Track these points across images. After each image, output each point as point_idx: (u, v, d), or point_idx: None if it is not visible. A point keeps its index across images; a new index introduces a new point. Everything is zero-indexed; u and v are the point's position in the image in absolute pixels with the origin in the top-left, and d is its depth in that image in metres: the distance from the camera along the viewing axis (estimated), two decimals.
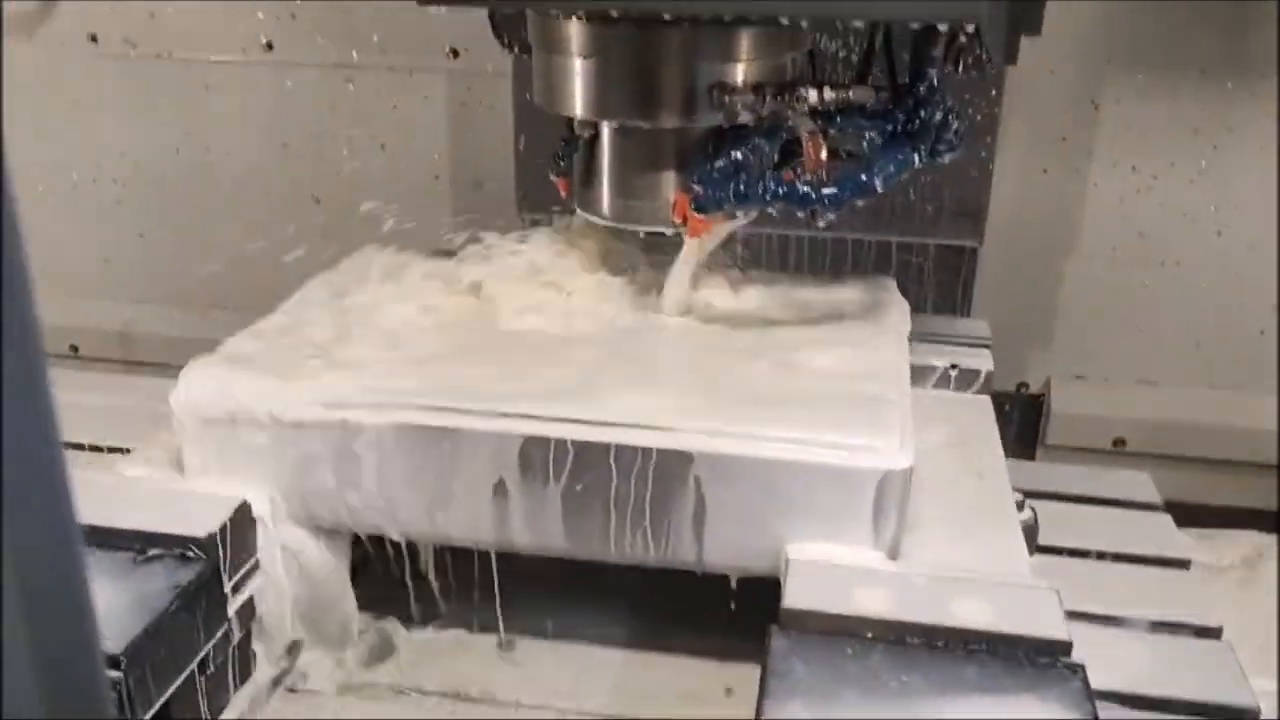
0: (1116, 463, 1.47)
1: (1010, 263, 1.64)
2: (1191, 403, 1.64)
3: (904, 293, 1.45)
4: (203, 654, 0.81)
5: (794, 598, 0.77)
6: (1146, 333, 1.66)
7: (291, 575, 0.90)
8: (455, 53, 1.70)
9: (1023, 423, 1.69)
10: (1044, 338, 1.69)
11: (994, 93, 1.45)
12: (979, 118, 1.47)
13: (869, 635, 0.76)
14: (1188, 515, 1.37)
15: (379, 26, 1.69)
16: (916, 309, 1.43)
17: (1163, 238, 1.61)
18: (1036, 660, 0.74)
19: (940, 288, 1.53)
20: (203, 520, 0.83)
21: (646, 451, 0.83)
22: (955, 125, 1.02)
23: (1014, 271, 1.65)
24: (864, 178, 0.87)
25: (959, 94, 1.44)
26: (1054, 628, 0.76)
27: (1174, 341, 1.66)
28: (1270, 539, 1.47)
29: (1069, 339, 1.68)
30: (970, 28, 0.93)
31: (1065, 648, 0.75)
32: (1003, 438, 1.52)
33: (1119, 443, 1.63)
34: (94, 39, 1.76)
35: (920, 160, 0.94)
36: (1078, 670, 0.74)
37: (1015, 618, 0.76)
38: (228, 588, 0.84)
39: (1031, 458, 1.64)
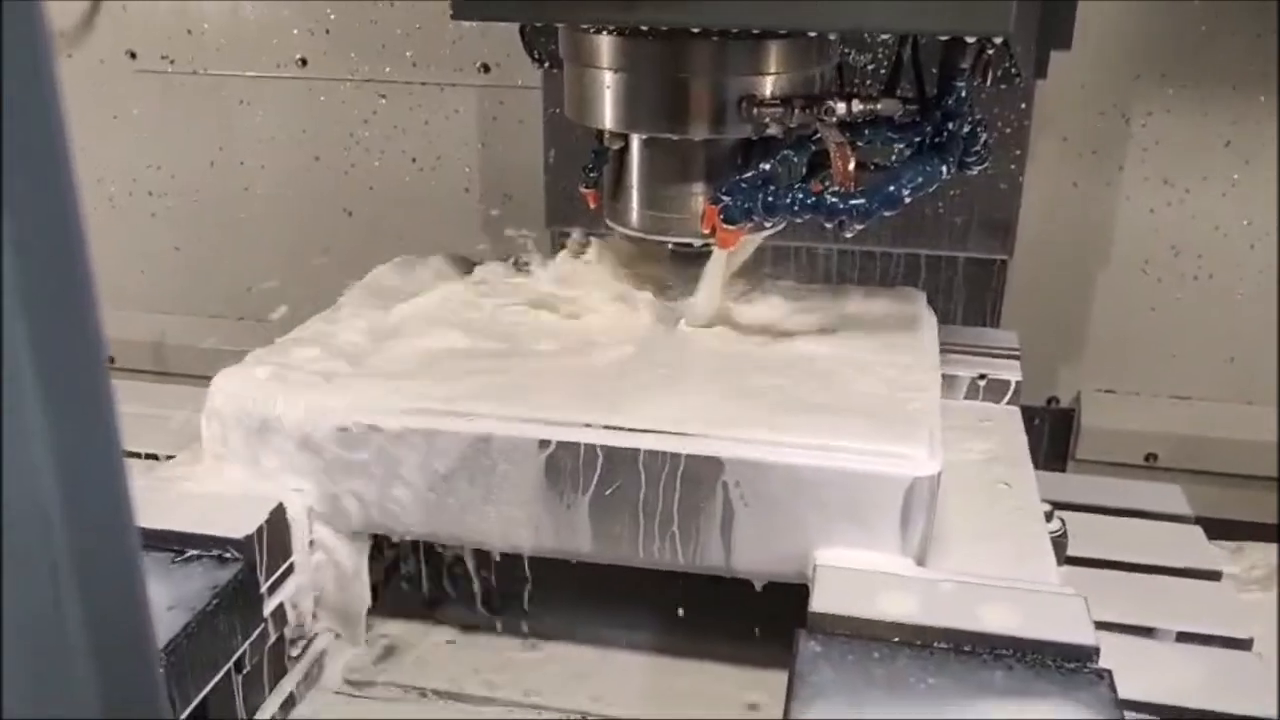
0: (1148, 478, 1.47)
1: (1040, 276, 1.64)
2: (1225, 418, 1.64)
3: (932, 305, 1.47)
4: (239, 653, 0.84)
5: (821, 602, 0.79)
6: (1179, 347, 1.66)
7: (321, 575, 0.92)
8: (486, 68, 1.73)
9: (1053, 437, 1.69)
10: (1074, 352, 1.70)
11: (1023, 106, 1.47)
12: (1008, 131, 1.48)
13: (896, 640, 0.77)
14: (1222, 531, 1.37)
15: (411, 43, 1.73)
16: (945, 322, 1.44)
17: (1195, 251, 1.62)
18: (1063, 665, 0.75)
19: (969, 301, 1.54)
20: (239, 522, 0.85)
21: (675, 457, 0.85)
22: (983, 137, 1.03)
23: (1044, 285, 1.65)
24: (891, 189, 0.89)
25: (988, 107, 1.46)
26: (1081, 633, 0.76)
27: (1207, 356, 1.65)
28: None
29: (1100, 353, 1.69)
30: (998, 40, 0.94)
31: (1092, 653, 0.75)
32: (1033, 453, 1.52)
33: (1150, 458, 1.62)
34: (132, 55, 1.81)
35: (948, 172, 0.95)
36: (1104, 676, 0.74)
37: (1042, 623, 0.77)
38: (263, 588, 0.86)
39: (1061, 472, 1.64)
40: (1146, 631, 0.95)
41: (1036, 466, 1.06)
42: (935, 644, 0.77)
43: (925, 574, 0.83)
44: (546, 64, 1.34)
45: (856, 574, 0.82)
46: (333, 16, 1.73)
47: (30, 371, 0.33)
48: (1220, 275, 1.62)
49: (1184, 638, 0.96)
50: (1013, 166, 1.48)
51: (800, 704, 0.72)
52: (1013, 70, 1.46)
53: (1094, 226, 1.63)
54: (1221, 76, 1.53)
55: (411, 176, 1.81)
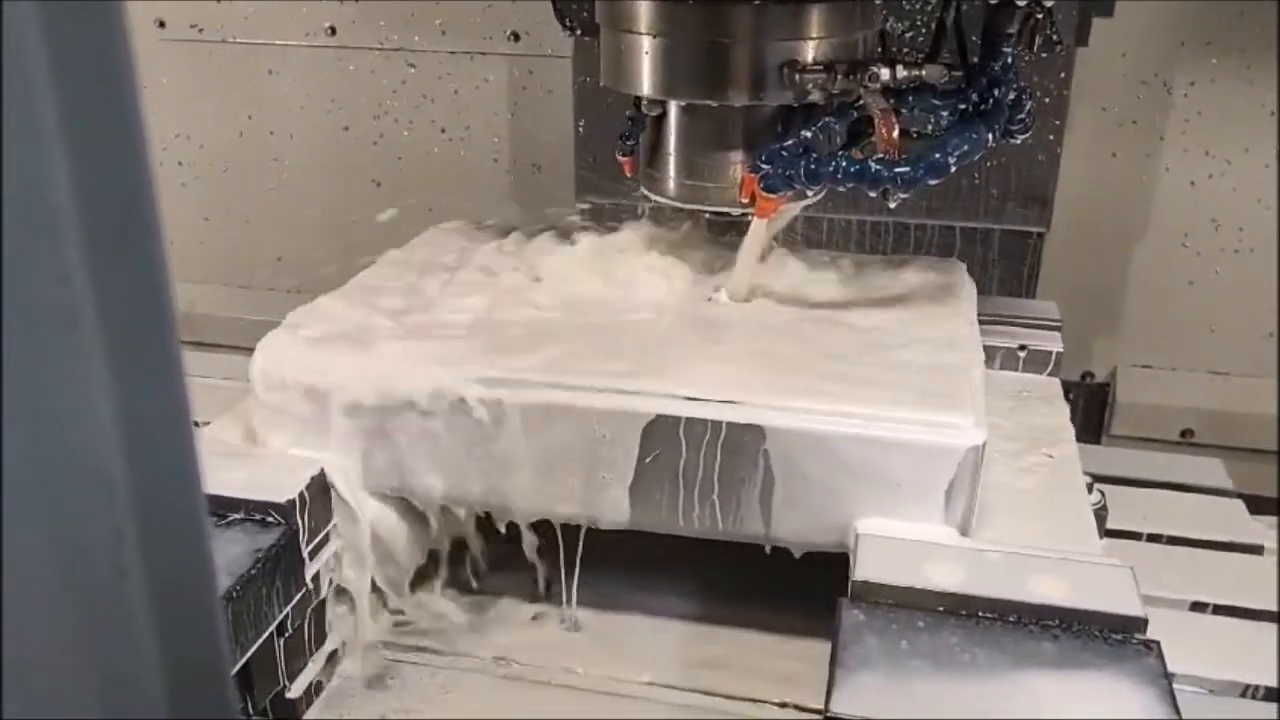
0: (1184, 454, 1.46)
1: (1077, 249, 1.63)
2: (1263, 394, 1.62)
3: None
4: (281, 617, 0.85)
5: (865, 571, 0.79)
6: (1217, 322, 1.64)
7: (361, 541, 0.93)
8: (516, 36, 1.72)
9: (1088, 412, 1.68)
10: (1110, 326, 1.68)
11: (1063, 75, 1.45)
12: (1047, 101, 1.47)
13: (940, 609, 0.77)
14: (1257, 507, 1.36)
15: (441, 11, 1.72)
16: (982, 293, 1.43)
17: (1236, 225, 1.60)
18: (1111, 637, 0.75)
19: (1005, 274, 1.53)
20: (281, 487, 0.86)
21: (717, 425, 0.85)
22: (1028, 105, 1.02)
23: (1080, 258, 1.64)
24: (937, 156, 0.88)
25: (1027, 76, 1.45)
26: (1129, 604, 0.76)
27: (1245, 331, 1.64)
28: None
29: (1136, 327, 1.67)
30: (1048, 2, 0.93)
31: (1141, 624, 0.75)
32: None
33: (1186, 433, 1.61)
34: (161, 24, 1.81)
35: (994, 140, 0.94)
36: (1153, 647, 0.74)
37: (1090, 594, 0.77)
38: (305, 552, 0.87)
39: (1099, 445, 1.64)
40: (1189, 605, 0.95)
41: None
42: (980, 614, 0.77)
43: (970, 544, 0.83)
44: (578, 31, 1.34)
45: (900, 543, 0.82)
46: None
47: (97, 329, 0.33)
48: (1261, 249, 1.60)
49: (1225, 610, 0.96)
50: (1051, 137, 1.47)
51: (844, 672, 0.72)
52: (1054, 37, 1.44)
53: (1133, 199, 1.62)
54: (1267, 44, 1.51)
55: (440, 147, 1.81)
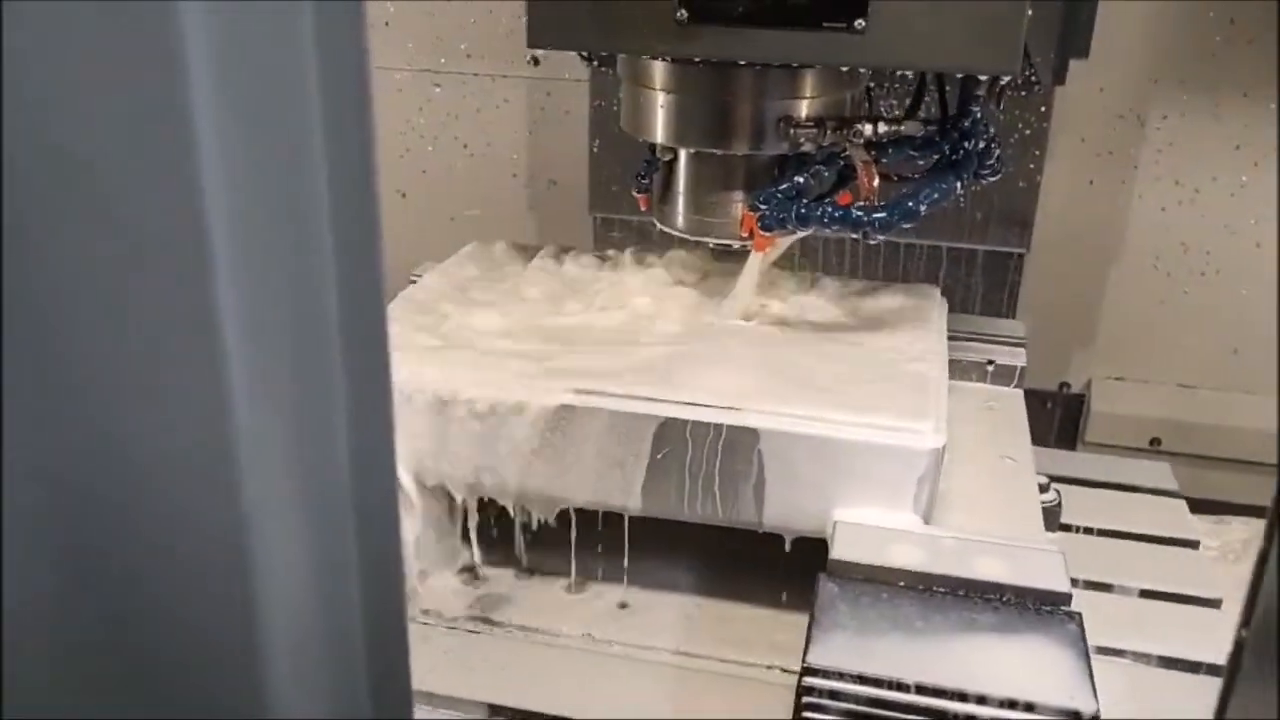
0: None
1: (1056, 268, 1.82)
2: (1227, 407, 1.81)
3: (953, 295, 1.65)
4: None
5: (840, 551, 0.98)
6: (1185, 338, 1.83)
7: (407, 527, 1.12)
8: (536, 60, 1.90)
9: (1064, 420, 1.87)
10: (1086, 340, 1.87)
11: (1043, 109, 1.64)
12: (1028, 132, 1.66)
13: (902, 584, 0.96)
14: (1218, 512, 1.56)
15: (466, 35, 1.91)
16: (964, 310, 1.63)
17: (1204, 248, 1.79)
18: (1042, 609, 0.94)
19: (988, 291, 1.72)
20: None
21: (718, 427, 1.04)
22: (997, 152, 1.21)
23: (1059, 277, 1.83)
24: (910, 204, 1.07)
25: (1010, 110, 1.64)
26: (1058, 582, 0.95)
27: (1212, 348, 1.83)
28: None
29: (1110, 342, 1.86)
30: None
31: (1066, 599, 0.94)
32: (1044, 435, 1.70)
33: (1155, 442, 1.80)
34: None
35: (963, 187, 1.13)
36: (1075, 617, 0.93)
37: (1026, 573, 0.96)
38: None
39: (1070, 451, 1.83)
40: (1120, 589, 1.14)
41: (1048, 447, 1.24)
42: (935, 588, 0.96)
43: (930, 531, 1.02)
44: (595, 63, 1.53)
45: (871, 529, 1.01)
46: (392, 9, 1.92)
47: (339, 344, 0.47)
48: (1227, 271, 1.79)
49: (1154, 595, 1.15)
50: (1031, 166, 1.66)
51: (820, 632, 0.91)
52: (1033, 79, 1.64)
53: (1108, 223, 1.81)
54: (1235, 83, 1.70)
55: (462, 161, 2.00)
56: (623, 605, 1.17)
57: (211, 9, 0.38)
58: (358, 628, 0.53)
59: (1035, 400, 1.81)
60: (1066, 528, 1.25)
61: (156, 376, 0.41)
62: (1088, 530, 1.25)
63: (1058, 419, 1.87)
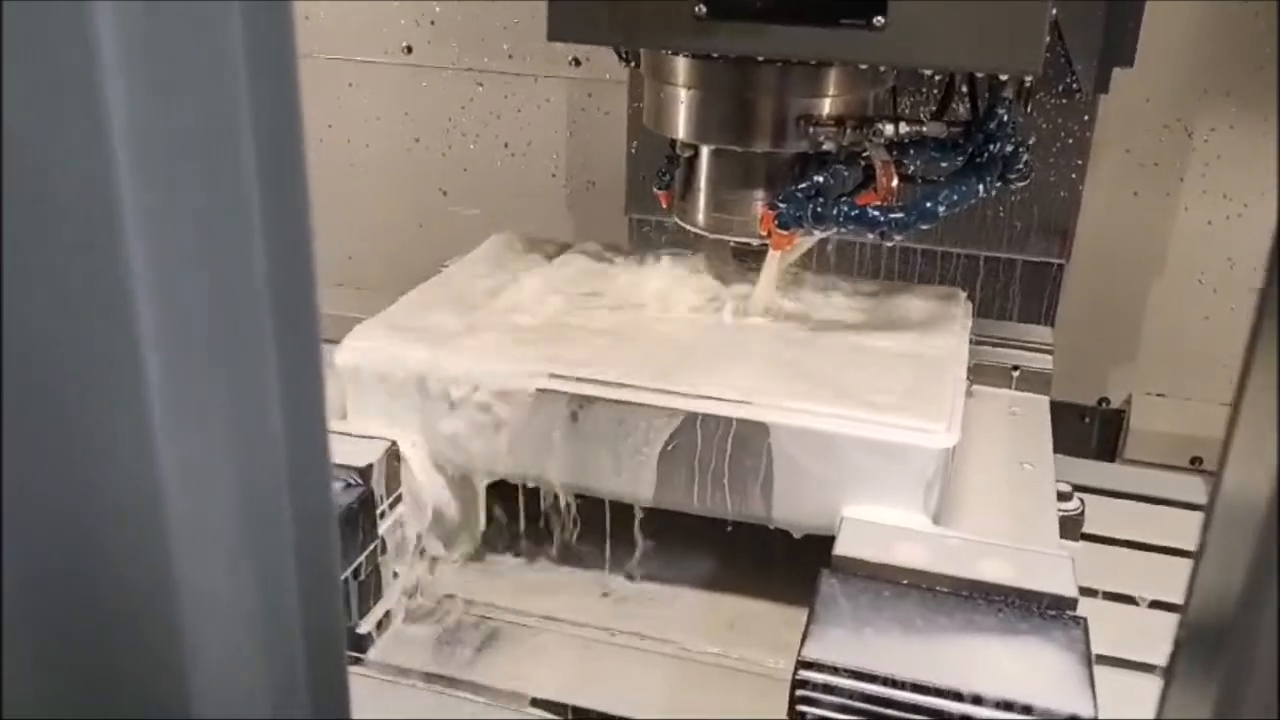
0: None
1: (1097, 280, 1.80)
2: None
3: (990, 305, 1.65)
4: (357, 563, 1.06)
5: (844, 547, 0.98)
6: (1230, 356, 1.80)
7: (424, 502, 1.15)
8: (577, 61, 1.94)
9: (1102, 436, 1.85)
10: (1127, 355, 1.85)
11: (1086, 118, 1.64)
12: (1070, 141, 1.66)
13: (905, 583, 0.96)
14: None
15: (509, 36, 1.95)
16: (1002, 318, 1.62)
17: (1250, 264, 1.76)
18: (1046, 612, 0.94)
19: (1025, 302, 1.71)
20: (361, 454, 1.08)
21: (728, 421, 1.05)
22: (1024, 156, 1.21)
23: (1100, 289, 1.81)
24: (929, 205, 1.08)
25: (1053, 118, 1.64)
26: (1064, 586, 0.95)
27: None
28: None
29: (1152, 357, 1.84)
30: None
31: (1072, 603, 0.94)
32: (1082, 450, 1.67)
33: (1195, 461, 1.78)
34: None
35: (985, 190, 1.13)
36: (1080, 622, 0.93)
37: (1032, 576, 0.96)
38: (381, 508, 1.08)
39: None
40: (1142, 601, 1.14)
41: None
42: (938, 588, 0.96)
43: (937, 531, 1.02)
44: (633, 64, 1.55)
45: (877, 527, 1.01)
46: (438, 9, 1.96)
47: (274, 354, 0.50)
48: None
49: (1175, 608, 1.14)
50: (1073, 175, 1.65)
51: (817, 627, 0.92)
52: (1074, 86, 1.63)
53: (1152, 236, 1.79)
54: None
55: (503, 160, 2.04)
56: (629, 587, 1.19)
57: None
58: (298, 640, 0.55)
59: (1072, 415, 1.81)
60: (1090, 537, 1.25)
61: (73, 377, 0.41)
62: (1112, 541, 1.24)
63: (1095, 434, 1.86)
